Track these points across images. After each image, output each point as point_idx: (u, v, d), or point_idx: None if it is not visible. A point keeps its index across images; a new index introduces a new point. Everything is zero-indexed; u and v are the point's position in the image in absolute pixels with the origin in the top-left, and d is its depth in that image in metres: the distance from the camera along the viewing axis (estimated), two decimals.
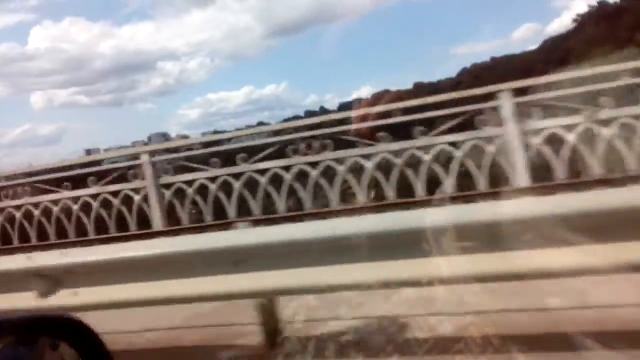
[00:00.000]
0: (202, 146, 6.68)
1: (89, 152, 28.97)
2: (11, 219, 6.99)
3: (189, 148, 7.40)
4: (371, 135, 5.85)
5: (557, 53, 41.61)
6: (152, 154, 6.40)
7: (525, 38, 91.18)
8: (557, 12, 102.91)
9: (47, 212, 6.78)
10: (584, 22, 47.24)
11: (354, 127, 5.78)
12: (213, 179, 6.05)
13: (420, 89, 43.17)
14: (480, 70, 51.34)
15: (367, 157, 5.72)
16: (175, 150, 7.57)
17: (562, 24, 74.01)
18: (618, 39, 32.34)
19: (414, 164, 5.54)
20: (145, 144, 37.28)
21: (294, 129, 6.24)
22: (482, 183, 5.33)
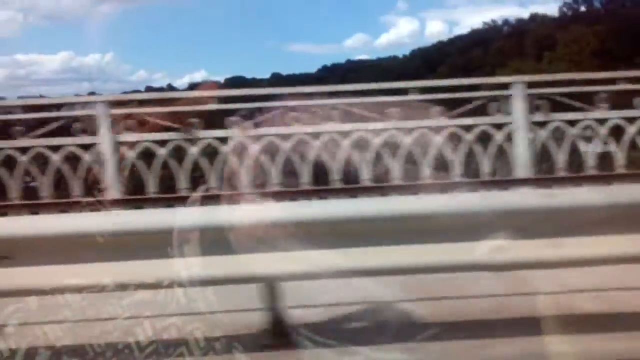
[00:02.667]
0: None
1: None
2: None
3: None
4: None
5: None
6: None
7: (355, 47, 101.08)
8: (385, 28, 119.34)
9: None
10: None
11: None
12: None
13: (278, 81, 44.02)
14: (342, 71, 54.38)
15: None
16: None
17: (389, 39, 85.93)
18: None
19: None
20: None
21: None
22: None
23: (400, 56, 60.63)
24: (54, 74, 76.22)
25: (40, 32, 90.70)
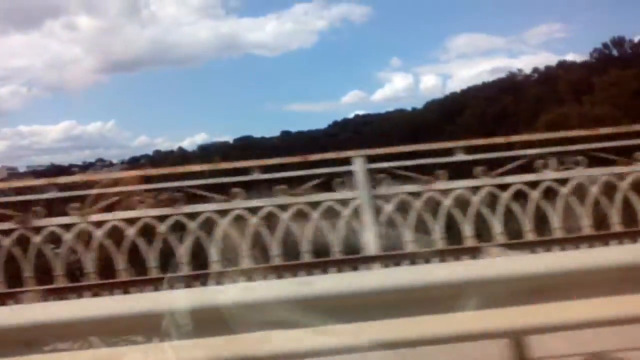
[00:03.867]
0: None
1: None
2: None
3: None
4: None
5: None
6: None
7: (352, 102, 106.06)
8: (380, 83, 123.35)
9: None
10: None
11: None
12: None
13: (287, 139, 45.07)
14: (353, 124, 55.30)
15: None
16: None
17: (384, 94, 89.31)
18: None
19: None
20: None
21: None
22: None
23: (409, 109, 61.48)
24: (56, 142, 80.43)
25: (42, 103, 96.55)
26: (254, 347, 2.27)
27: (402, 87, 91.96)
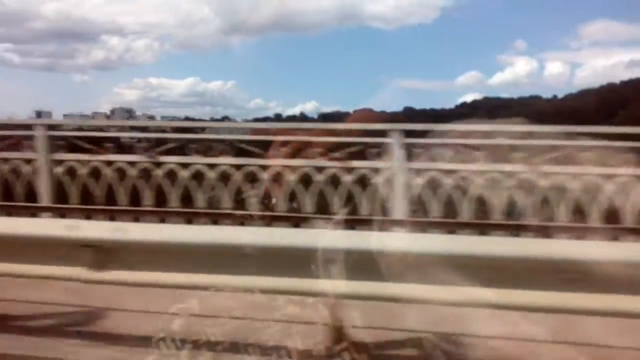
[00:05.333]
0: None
1: (38, 113, 29.12)
2: None
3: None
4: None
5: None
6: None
7: (468, 84, 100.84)
8: (500, 67, 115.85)
9: None
10: None
11: None
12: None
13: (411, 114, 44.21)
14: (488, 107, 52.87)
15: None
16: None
17: (503, 78, 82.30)
18: None
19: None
20: (107, 117, 37.26)
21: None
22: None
23: (544, 96, 57.11)
24: (181, 97, 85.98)
25: (171, 59, 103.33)
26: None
27: (524, 72, 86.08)
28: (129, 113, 39.61)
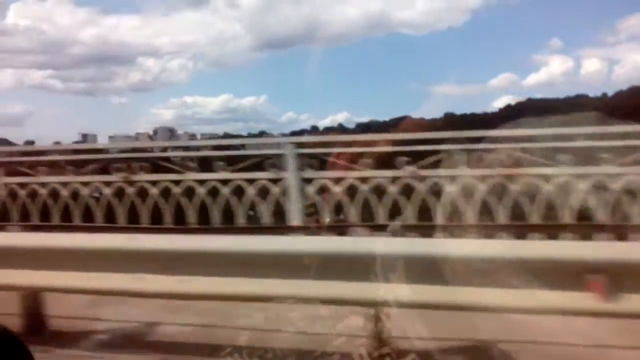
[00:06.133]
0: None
1: (84, 136, 30.51)
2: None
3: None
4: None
5: None
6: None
7: (502, 86, 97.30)
8: (535, 67, 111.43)
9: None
10: None
11: None
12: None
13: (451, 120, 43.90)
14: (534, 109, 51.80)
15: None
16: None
17: (538, 78, 79.66)
18: None
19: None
20: (150, 137, 38.51)
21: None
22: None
23: (591, 95, 55.39)
24: (215, 114, 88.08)
25: (205, 77, 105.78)
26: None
27: (560, 71, 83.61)
28: (170, 132, 40.75)
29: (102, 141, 26.40)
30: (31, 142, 19.59)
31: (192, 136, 39.52)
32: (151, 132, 41.73)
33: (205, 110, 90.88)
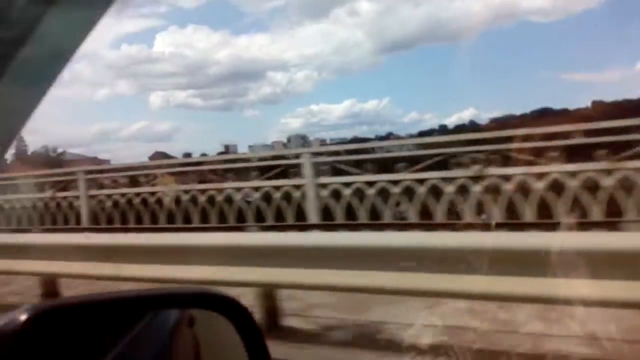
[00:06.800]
0: (347, 152, 8.02)
1: (226, 147, 32.90)
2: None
3: (335, 152, 8.52)
4: (537, 155, 6.45)
5: None
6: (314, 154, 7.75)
7: None
8: None
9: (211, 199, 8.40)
10: None
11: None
12: (370, 183, 7.19)
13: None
14: None
15: (539, 176, 6.27)
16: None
17: None
18: None
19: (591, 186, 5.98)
20: (284, 145, 40.42)
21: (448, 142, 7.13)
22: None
23: None
24: (339, 119, 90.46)
25: (329, 85, 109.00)
26: None
27: None
28: (302, 139, 42.35)
29: (243, 151, 28.12)
30: (188, 155, 21.65)
31: (323, 142, 40.73)
32: (285, 140, 43.58)
33: (330, 117, 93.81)
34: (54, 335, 0.71)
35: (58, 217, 9.73)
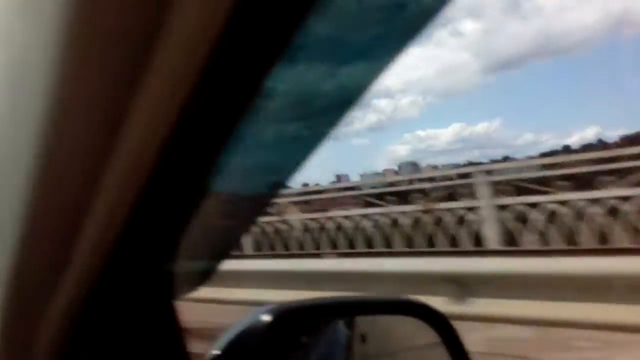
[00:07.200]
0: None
1: (338, 177, 33.15)
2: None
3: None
4: None
5: None
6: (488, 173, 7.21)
7: None
8: None
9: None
10: None
11: None
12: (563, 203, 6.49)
13: None
14: None
15: None
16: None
17: None
18: None
19: None
20: (395, 172, 40.19)
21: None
22: None
23: None
24: (448, 144, 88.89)
25: (435, 109, 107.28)
26: None
27: None
28: (413, 166, 41.88)
29: (355, 179, 28.23)
30: (306, 184, 21.98)
31: (435, 168, 39.90)
32: (396, 168, 43.41)
33: (438, 142, 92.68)
34: (294, 335, 0.79)
35: None
